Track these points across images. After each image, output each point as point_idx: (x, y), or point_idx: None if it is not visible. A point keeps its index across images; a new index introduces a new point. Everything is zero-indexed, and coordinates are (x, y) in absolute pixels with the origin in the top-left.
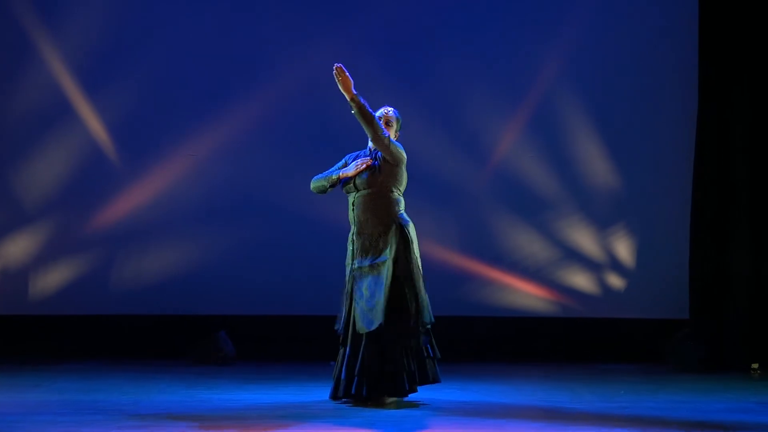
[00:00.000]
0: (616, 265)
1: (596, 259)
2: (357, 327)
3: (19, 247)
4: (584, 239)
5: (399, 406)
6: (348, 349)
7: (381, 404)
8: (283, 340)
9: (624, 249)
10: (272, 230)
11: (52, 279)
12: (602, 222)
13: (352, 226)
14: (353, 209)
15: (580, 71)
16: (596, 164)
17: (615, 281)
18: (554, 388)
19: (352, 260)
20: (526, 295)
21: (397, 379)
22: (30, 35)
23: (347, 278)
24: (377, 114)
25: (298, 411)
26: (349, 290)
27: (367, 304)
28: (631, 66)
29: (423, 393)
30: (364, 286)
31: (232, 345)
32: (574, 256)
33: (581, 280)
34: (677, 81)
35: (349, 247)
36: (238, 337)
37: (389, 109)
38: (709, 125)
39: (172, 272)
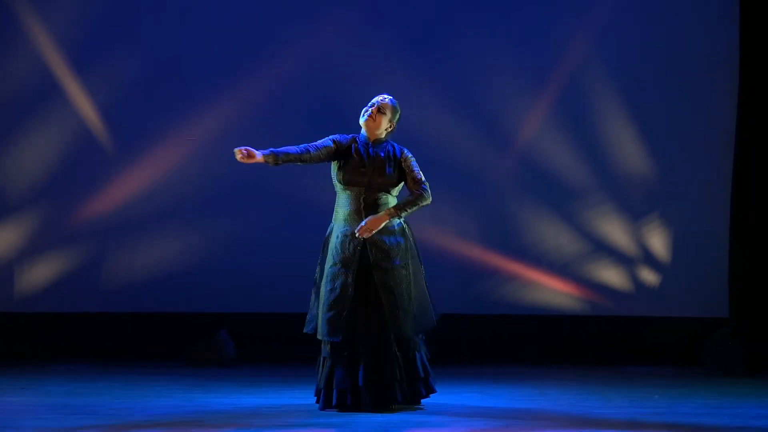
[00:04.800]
0: (649, 259)
1: (628, 252)
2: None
3: (3, 239)
4: (615, 231)
5: (415, 411)
6: None
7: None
8: (288, 340)
9: (658, 242)
10: (277, 221)
11: (39, 274)
12: (635, 213)
13: None
14: None
15: (611, 49)
16: (628, 150)
17: (648, 277)
18: (583, 391)
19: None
20: (551, 291)
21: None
22: (13, 7)
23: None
24: (372, 102)
25: (304, 416)
26: None
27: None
28: (666, 44)
29: (441, 398)
30: None
31: (233, 345)
32: (604, 250)
33: (612, 276)
34: (716, 60)
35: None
36: (239, 336)
37: (385, 96)
38: (750, 108)
39: (169, 267)
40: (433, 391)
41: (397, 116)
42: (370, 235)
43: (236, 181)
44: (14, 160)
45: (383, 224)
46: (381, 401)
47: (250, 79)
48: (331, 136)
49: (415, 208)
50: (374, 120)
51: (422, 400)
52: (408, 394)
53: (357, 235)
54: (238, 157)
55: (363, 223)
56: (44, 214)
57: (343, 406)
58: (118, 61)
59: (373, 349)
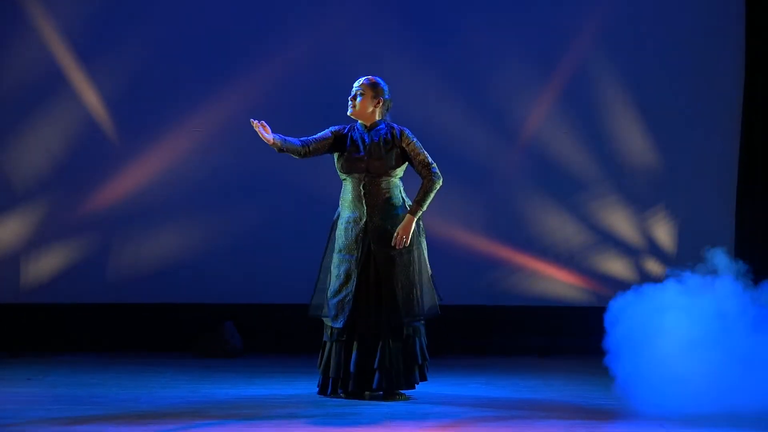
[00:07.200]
0: (655, 250)
1: (634, 243)
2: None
3: (9, 230)
4: (621, 222)
5: (420, 401)
6: None
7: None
8: (294, 331)
9: (664, 233)
10: (284, 212)
11: (45, 265)
12: (640, 204)
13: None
14: None
15: (617, 40)
16: (634, 141)
17: (654, 268)
18: (587, 382)
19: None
20: (557, 282)
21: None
22: None
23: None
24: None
25: (310, 407)
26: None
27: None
28: (672, 35)
29: (446, 389)
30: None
31: (239, 336)
32: (610, 241)
33: (617, 267)
34: (722, 50)
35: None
36: (245, 328)
37: (359, 79)
38: (756, 99)
39: (175, 258)
40: (424, 379)
41: (382, 90)
42: (408, 240)
43: (243, 172)
44: (20, 152)
45: (413, 226)
46: (383, 386)
47: (258, 70)
48: (330, 128)
49: (431, 196)
50: (356, 107)
51: (424, 390)
52: (404, 380)
53: (397, 247)
54: (255, 126)
55: (396, 236)
56: (50, 205)
57: (337, 393)
58: (124, 53)
59: (375, 335)
